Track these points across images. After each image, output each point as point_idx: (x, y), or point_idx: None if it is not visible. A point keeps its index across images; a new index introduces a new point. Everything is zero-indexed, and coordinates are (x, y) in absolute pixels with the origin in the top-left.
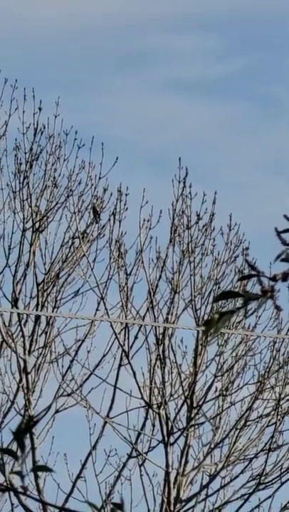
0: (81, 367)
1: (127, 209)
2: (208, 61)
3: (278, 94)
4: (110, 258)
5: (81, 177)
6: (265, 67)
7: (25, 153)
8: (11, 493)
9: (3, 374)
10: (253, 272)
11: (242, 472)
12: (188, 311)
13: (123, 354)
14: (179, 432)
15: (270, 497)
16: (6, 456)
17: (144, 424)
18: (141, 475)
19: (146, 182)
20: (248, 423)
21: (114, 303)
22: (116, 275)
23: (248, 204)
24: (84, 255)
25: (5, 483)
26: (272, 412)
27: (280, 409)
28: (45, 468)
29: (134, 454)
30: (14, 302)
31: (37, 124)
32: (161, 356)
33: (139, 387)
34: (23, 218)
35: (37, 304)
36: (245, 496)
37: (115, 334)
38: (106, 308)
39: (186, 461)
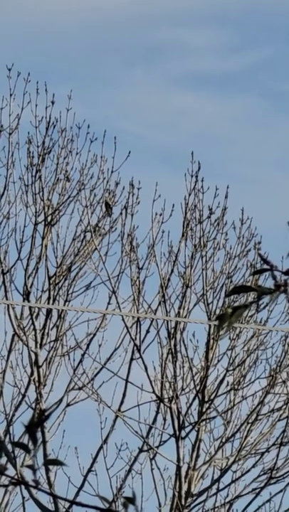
0: (92, 360)
1: (139, 203)
2: (221, 55)
3: (287, 89)
4: (122, 252)
5: (93, 171)
6: (277, 61)
7: (38, 146)
8: (22, 487)
9: (14, 367)
10: (266, 266)
11: (253, 466)
12: (200, 305)
13: (134, 348)
14: (191, 426)
15: (281, 491)
16: (16, 449)
17: (155, 418)
18: (152, 469)
19: (158, 176)
20: (259, 417)
21: (126, 297)
22: (128, 269)
23: (260, 198)
24: (96, 249)
25: (16, 477)
26: (284, 406)
27: None
28: (57, 462)
29: (146, 447)
30: (26, 296)
31: (49, 118)
32: (173, 350)
33: (150, 381)
34: (35, 212)
35: (48, 298)
36: (257, 490)
37: (127, 328)
38: (118, 302)
39: (198, 455)
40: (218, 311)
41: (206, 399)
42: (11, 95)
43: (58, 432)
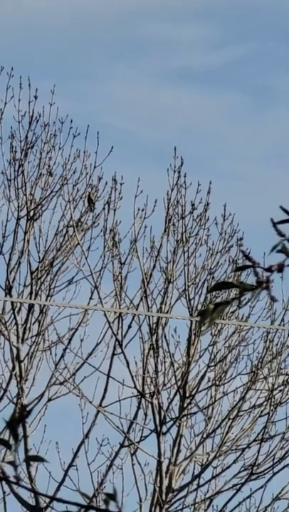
0: (74, 355)
1: (121, 198)
2: (205, 50)
3: (273, 84)
4: (104, 247)
5: (76, 166)
6: (261, 56)
7: (21, 141)
8: (3, 482)
9: None
10: (249, 263)
11: (234, 462)
12: (182, 300)
13: (116, 343)
14: (172, 422)
15: (262, 487)
16: None
17: (136, 414)
18: (133, 464)
19: (142, 171)
20: (240, 413)
21: (108, 292)
22: (110, 264)
23: (242, 194)
24: (78, 244)
25: None
26: (265, 403)
27: (272, 399)
28: (38, 458)
29: (127, 443)
30: (8, 290)
31: (32, 113)
32: (155, 346)
33: (132, 377)
34: (18, 206)
35: (31, 292)
36: (237, 486)
37: (109, 323)
38: (100, 297)
39: (179, 451)
40: (199, 307)
41: (188, 394)
42: None
43: (39, 427)
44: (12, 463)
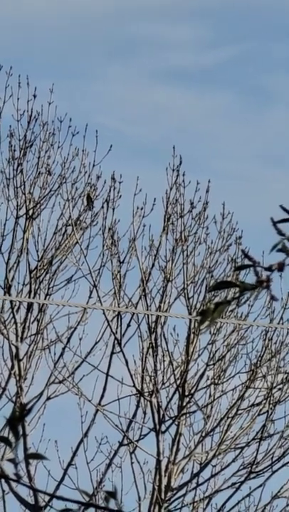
0: (73, 354)
1: (120, 197)
2: (199, 50)
3: (267, 83)
4: (103, 246)
5: (75, 164)
6: (254, 57)
7: (19, 140)
8: (2, 480)
9: None
10: (249, 262)
11: (233, 461)
12: (181, 299)
13: (115, 342)
14: (171, 420)
15: (261, 486)
16: None
17: (135, 412)
18: (132, 463)
19: (137, 170)
20: (239, 412)
21: (107, 290)
22: (109, 263)
23: (238, 193)
24: (77, 242)
25: None
26: (264, 401)
27: (271, 398)
28: (39, 456)
29: (126, 441)
30: (7, 289)
31: (31, 111)
32: (154, 344)
33: (131, 375)
34: (17, 205)
35: (29, 291)
36: (236, 485)
37: (108, 322)
38: (98, 296)
39: (178, 450)
40: (198, 306)
41: (186, 393)
42: None
43: (38, 426)
44: (12, 460)
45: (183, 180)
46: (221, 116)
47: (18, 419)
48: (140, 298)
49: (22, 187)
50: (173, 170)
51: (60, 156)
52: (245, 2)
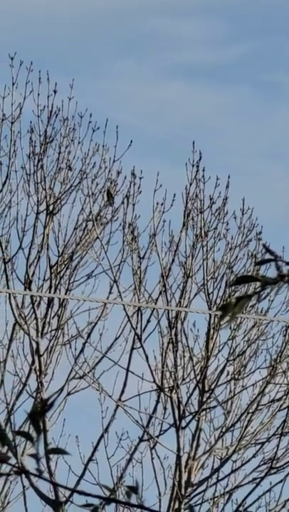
0: (93, 350)
1: (140, 192)
2: (212, 46)
3: (281, 80)
4: (123, 241)
5: (95, 160)
6: (266, 53)
7: (40, 135)
8: (23, 475)
9: (15, 356)
10: (270, 257)
11: (253, 456)
12: (201, 295)
13: (135, 337)
14: (191, 416)
15: (281, 481)
16: (17, 438)
17: (155, 408)
18: (152, 458)
19: (154, 166)
20: (259, 407)
21: (127, 286)
22: (129, 258)
23: (256, 190)
24: (97, 238)
25: (17, 466)
26: (284, 397)
27: None
28: (60, 451)
29: (146, 437)
30: (27, 284)
31: (51, 107)
32: (174, 340)
33: (151, 371)
34: (37, 201)
35: (50, 287)
36: (257, 480)
37: (128, 317)
38: (119, 292)
39: (198, 445)
40: (218, 301)
41: (207, 388)
42: (13, 84)
43: (58, 421)
44: (34, 456)
45: (203, 176)
46: (235, 112)
47: (39, 414)
48: (160, 293)
49: (42, 182)
50: (192, 165)
51: (80, 152)
52: None
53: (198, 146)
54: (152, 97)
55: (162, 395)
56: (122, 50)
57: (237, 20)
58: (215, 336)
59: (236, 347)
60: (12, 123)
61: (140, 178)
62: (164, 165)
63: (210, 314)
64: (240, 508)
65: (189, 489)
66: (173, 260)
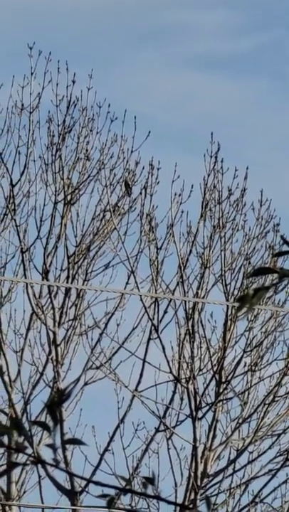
0: (110, 340)
1: (158, 183)
2: (230, 37)
3: None
4: (141, 232)
5: (113, 150)
6: (286, 43)
7: (58, 125)
8: (39, 465)
9: (32, 346)
10: (288, 249)
11: (270, 447)
12: (218, 285)
13: (152, 328)
14: (207, 407)
15: None
16: (34, 427)
17: (172, 398)
18: (168, 449)
19: (171, 157)
20: (276, 398)
21: (145, 276)
22: (146, 249)
23: (278, 180)
24: (115, 228)
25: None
26: None
27: None
28: (77, 441)
29: (162, 427)
30: (45, 274)
31: (70, 97)
32: (191, 331)
33: (168, 361)
34: (55, 191)
35: (67, 277)
36: (273, 472)
37: (145, 308)
38: (136, 282)
39: (214, 436)
40: (236, 292)
41: (223, 380)
42: (32, 74)
43: (75, 411)
44: (51, 446)
45: (221, 167)
46: (252, 103)
47: (56, 404)
48: (177, 284)
49: (60, 172)
50: (211, 156)
51: (98, 142)
52: None
53: (216, 136)
54: (171, 88)
55: (179, 385)
56: (141, 41)
57: (257, 11)
58: (232, 327)
59: (253, 338)
60: (30, 113)
61: (158, 169)
62: (181, 155)
63: (227, 305)
64: (256, 499)
65: (205, 480)
66: (190, 251)
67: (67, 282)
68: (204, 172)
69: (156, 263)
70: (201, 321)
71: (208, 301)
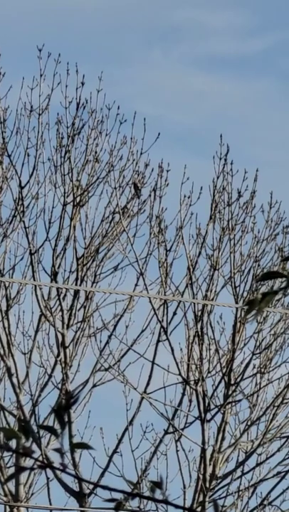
0: (119, 342)
1: (168, 185)
2: (239, 38)
3: None
4: (150, 234)
5: (122, 152)
6: None
7: (67, 127)
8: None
9: (41, 348)
10: None
11: (278, 450)
12: (228, 288)
13: (161, 330)
14: (216, 409)
15: None
16: (42, 430)
17: (181, 400)
18: (177, 451)
19: (179, 158)
20: (285, 401)
21: (154, 279)
22: (156, 251)
23: (287, 182)
24: (124, 230)
25: (42, 459)
26: None
27: None
28: (84, 446)
29: (171, 429)
30: (53, 276)
31: (79, 99)
32: (200, 333)
33: (176, 363)
34: (64, 192)
35: (76, 279)
36: (282, 474)
37: (154, 310)
38: (145, 284)
39: (223, 438)
40: (245, 294)
41: (232, 382)
42: (41, 76)
43: (83, 413)
44: (58, 450)
45: (230, 169)
46: (261, 103)
47: (64, 408)
48: (187, 286)
49: (70, 174)
50: (220, 158)
51: (107, 144)
52: None
53: (225, 137)
54: (178, 88)
55: (188, 387)
56: (149, 41)
57: (263, 12)
58: (241, 329)
59: (262, 340)
60: (40, 115)
61: (167, 171)
62: (190, 157)
63: (236, 307)
64: (265, 502)
65: (214, 482)
66: (200, 253)
67: (76, 284)
68: (214, 174)
69: (165, 265)
70: (210, 323)
71: (217, 304)
